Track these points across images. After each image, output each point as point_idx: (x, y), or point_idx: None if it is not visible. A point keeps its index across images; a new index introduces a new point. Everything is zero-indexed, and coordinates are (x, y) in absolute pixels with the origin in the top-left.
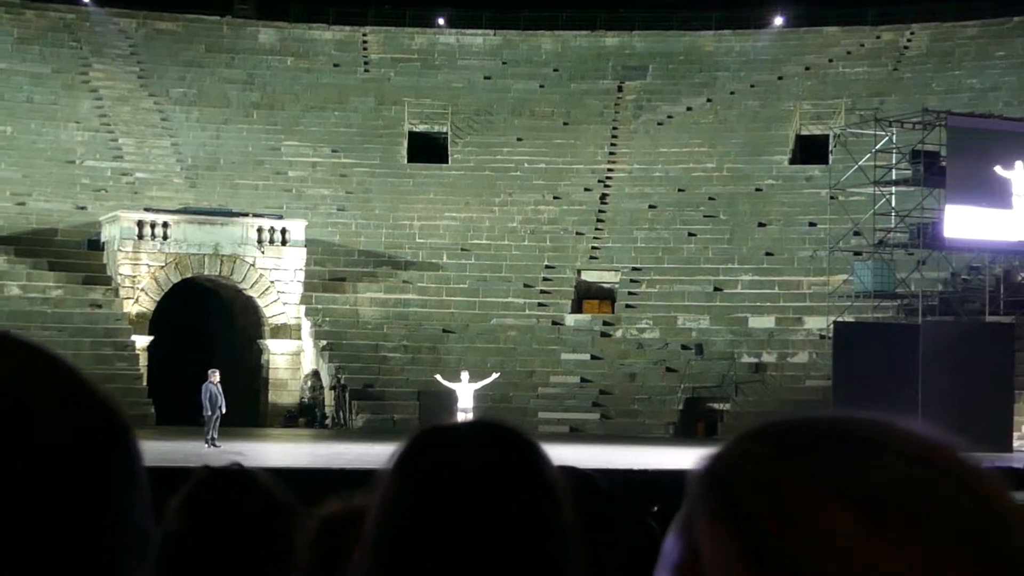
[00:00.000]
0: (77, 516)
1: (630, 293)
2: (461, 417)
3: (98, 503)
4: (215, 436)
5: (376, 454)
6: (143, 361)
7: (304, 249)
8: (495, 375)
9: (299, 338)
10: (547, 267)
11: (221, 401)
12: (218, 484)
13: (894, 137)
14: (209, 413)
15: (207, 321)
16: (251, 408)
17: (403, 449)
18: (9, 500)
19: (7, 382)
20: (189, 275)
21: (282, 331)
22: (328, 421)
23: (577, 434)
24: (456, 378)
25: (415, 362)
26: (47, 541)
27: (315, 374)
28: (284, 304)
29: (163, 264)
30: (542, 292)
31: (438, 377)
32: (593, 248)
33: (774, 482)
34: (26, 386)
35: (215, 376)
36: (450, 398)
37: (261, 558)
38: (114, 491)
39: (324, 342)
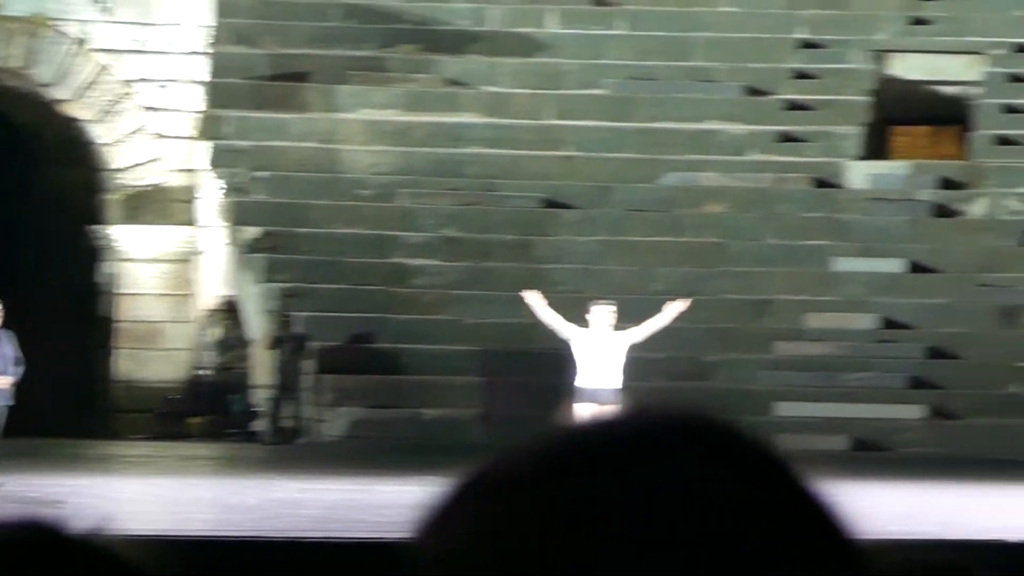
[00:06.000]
0: None
1: None
2: (589, 411)
3: None
4: None
5: (388, 504)
6: None
7: None
8: (679, 305)
9: (188, 221)
10: None
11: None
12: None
13: None
14: None
15: None
16: (78, 397)
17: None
18: None
19: None
20: None
21: (151, 203)
22: (260, 423)
23: (881, 457)
24: (577, 315)
25: (477, 279)
26: None
27: (229, 309)
28: (159, 137)
29: None
30: None
31: (533, 303)
32: None
33: None
34: None
35: None
36: (563, 368)
37: None
38: None
39: (257, 232)
